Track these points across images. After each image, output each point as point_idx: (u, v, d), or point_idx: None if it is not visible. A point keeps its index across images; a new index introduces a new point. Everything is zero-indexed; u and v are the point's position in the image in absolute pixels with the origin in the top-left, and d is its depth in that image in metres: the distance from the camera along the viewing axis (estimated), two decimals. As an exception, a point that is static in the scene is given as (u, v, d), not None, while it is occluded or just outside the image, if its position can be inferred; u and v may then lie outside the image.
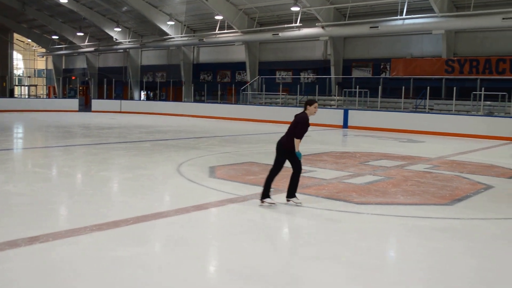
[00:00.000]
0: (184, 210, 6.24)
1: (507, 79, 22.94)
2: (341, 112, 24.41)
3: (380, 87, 25.65)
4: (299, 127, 6.58)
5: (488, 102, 22.73)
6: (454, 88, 22.87)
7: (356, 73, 30.87)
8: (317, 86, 28.60)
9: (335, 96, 29.32)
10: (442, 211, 6.80)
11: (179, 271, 4.18)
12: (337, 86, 30.18)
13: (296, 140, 6.57)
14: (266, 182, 6.61)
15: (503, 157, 14.12)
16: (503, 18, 22.94)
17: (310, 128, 6.81)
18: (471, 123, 20.71)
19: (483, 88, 22.30)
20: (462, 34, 27.32)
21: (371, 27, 27.32)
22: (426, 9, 25.74)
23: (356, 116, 23.79)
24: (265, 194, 6.58)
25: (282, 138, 6.72)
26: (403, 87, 24.68)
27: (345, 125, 23.81)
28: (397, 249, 5.32)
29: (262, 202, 6.56)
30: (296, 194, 6.72)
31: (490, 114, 22.02)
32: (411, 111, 23.97)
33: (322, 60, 32.42)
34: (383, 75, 29.14)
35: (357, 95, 26.10)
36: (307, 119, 6.64)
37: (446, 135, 20.31)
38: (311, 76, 32.86)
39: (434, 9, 24.70)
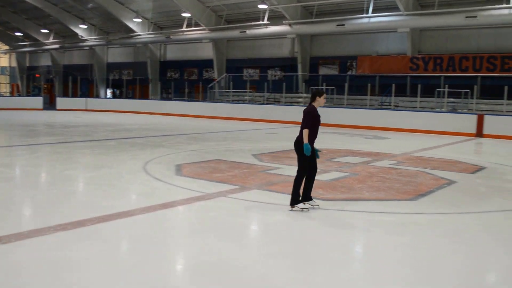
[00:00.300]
0: (150, 209, 6.18)
1: (469, 77, 23.49)
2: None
3: (346, 84, 25.93)
4: (307, 118, 6.31)
5: (452, 99, 23.24)
6: (419, 85, 23.34)
7: (323, 71, 31.13)
8: (284, 83, 28.75)
9: (302, 93, 29.49)
10: (406, 206, 6.92)
11: (145, 270, 4.13)
12: (304, 83, 30.39)
13: (304, 131, 6.25)
14: (293, 187, 6.31)
15: (466, 153, 14.46)
16: (466, 17, 23.49)
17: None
18: (435, 119, 21.13)
19: (446, 85, 22.81)
20: (427, 32, 27.84)
21: (337, 25, 27.58)
22: (391, 8, 26.13)
23: (323, 114, 23.91)
24: (295, 200, 6.29)
25: (297, 136, 6.45)
26: (369, 84, 25.03)
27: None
28: (364, 244, 5.37)
29: (293, 207, 6.27)
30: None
31: (453, 110, 22.51)
32: (377, 108, 24.34)
33: (289, 58, 32.57)
34: (349, 73, 29.45)
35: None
36: (315, 110, 6.41)
37: (411, 132, 20.68)
38: (279, 74, 32.98)
39: (400, 8, 25.10)
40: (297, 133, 6.42)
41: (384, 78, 26.03)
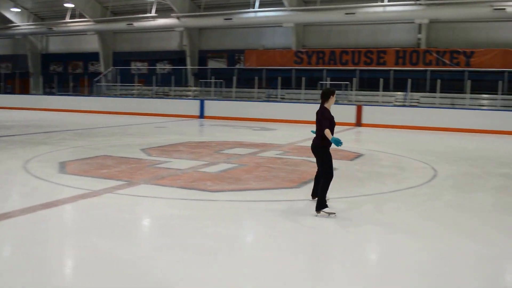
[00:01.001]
0: (30, 210, 5.91)
1: (349, 70, 24.90)
2: (197, 102, 24.63)
3: (234, 77, 26.35)
4: (325, 120, 5.98)
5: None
6: (303, 78, 24.32)
7: (212, 64, 31.36)
8: (173, 77, 28.54)
9: (191, 86, 29.49)
10: (291, 193, 7.25)
11: (26, 273, 3.99)
12: (193, 77, 30.40)
13: (325, 131, 5.87)
14: (320, 192, 6.00)
15: (347, 141, 15.19)
16: (346, 13, 24.85)
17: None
18: (296, 109, 22.27)
19: (328, 78, 24.01)
20: (310, 28, 29.01)
21: (225, 19, 27.90)
22: (277, 3, 26.93)
23: (212, 106, 24.17)
24: (322, 204, 5.96)
25: (314, 141, 6.20)
26: (256, 78, 25.63)
27: (201, 115, 24.08)
28: (250, 232, 5.56)
29: (318, 212, 5.95)
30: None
31: (335, 102, 23.66)
32: (264, 101, 24.99)
33: (178, 51, 32.39)
34: (237, 66, 29.91)
35: (212, 86, 26.55)
36: (329, 112, 6.09)
37: (297, 123, 21.50)
38: (167, 67, 32.69)
39: (284, 3, 25.95)
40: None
41: (270, 71, 26.77)
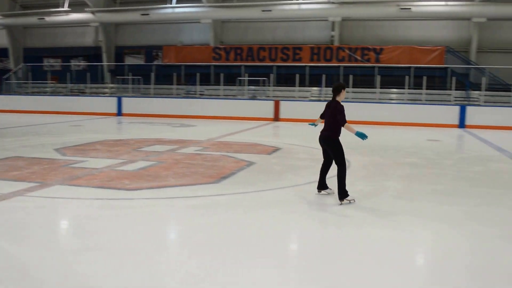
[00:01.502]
0: None
1: (267, 66, 25.33)
2: (114, 99, 24.10)
3: (153, 74, 26.05)
4: (342, 115, 6.34)
5: (252, 87, 24.81)
6: (221, 74, 24.47)
7: (129, 60, 30.78)
8: (88, 73, 27.73)
9: (108, 83, 28.77)
10: (209, 189, 7.29)
11: None
12: (109, 73, 29.67)
13: (347, 126, 6.31)
14: (338, 182, 6.37)
15: (265, 136, 15.66)
16: (262, 10, 25.28)
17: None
18: (237, 106, 22.40)
19: (246, 74, 24.31)
20: (228, 24, 29.20)
21: (142, 14, 27.49)
22: (194, -1, 26.92)
23: (130, 103, 23.76)
24: (343, 193, 6.36)
25: (325, 132, 6.53)
26: (175, 74, 25.47)
27: (119, 112, 23.61)
28: (170, 229, 5.57)
29: (342, 201, 6.36)
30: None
31: (253, 97, 24.05)
32: (183, 97, 24.88)
33: (93, 47, 31.49)
34: (155, 62, 29.57)
35: (130, 82, 26.07)
36: (342, 105, 6.44)
37: (216, 118, 21.64)
38: (82, 64, 31.72)
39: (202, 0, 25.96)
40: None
41: (189, 67, 26.69)
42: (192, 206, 6.27)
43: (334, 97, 6.58)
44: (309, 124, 7.30)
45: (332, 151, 6.54)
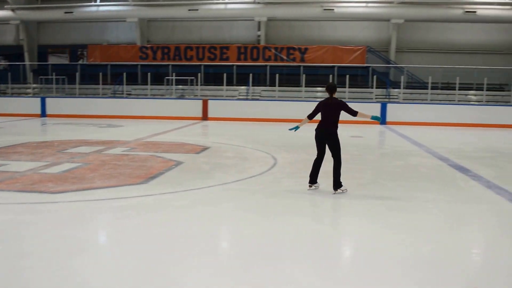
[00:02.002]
0: None
1: (194, 65, 25.35)
2: (38, 100, 23.27)
3: (78, 73, 25.37)
4: (348, 106, 7.08)
5: (180, 86, 24.75)
6: (149, 73, 24.25)
7: (53, 60, 29.78)
8: (9, 73, 26.60)
9: (30, 84, 27.73)
10: (137, 190, 7.26)
11: None
12: (32, 73, 28.61)
13: (360, 113, 7.15)
14: (335, 173, 7.07)
15: (194, 135, 15.72)
16: (189, 10, 25.29)
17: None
18: (165, 105, 22.31)
19: (174, 73, 24.22)
20: (155, 23, 28.92)
21: (66, 12, 26.75)
22: (119, -3, 26.47)
23: (55, 104, 23.05)
24: (338, 184, 7.11)
25: (331, 128, 7.08)
26: (101, 73, 24.93)
27: (43, 113, 22.83)
28: (96, 232, 5.49)
29: (336, 191, 7.09)
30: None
31: (181, 97, 24.01)
32: (110, 97, 24.44)
33: (14, 46, 30.18)
34: (80, 62, 28.81)
35: (54, 82, 25.29)
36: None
37: (144, 118, 21.44)
38: (3, 63, 30.34)
39: (127, -2, 25.58)
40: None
41: (115, 67, 26.23)
42: (119, 208, 6.23)
43: (331, 95, 7.14)
44: (290, 129, 7.79)
45: (335, 145, 7.12)
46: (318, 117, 7.34)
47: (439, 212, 6.28)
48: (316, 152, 7.33)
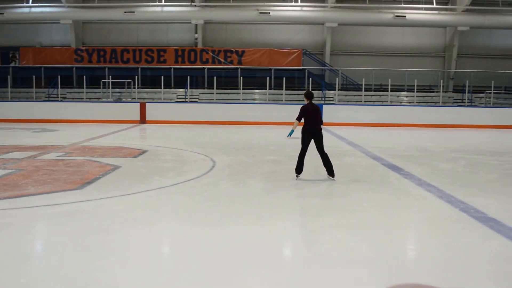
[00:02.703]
0: None
1: (131, 68, 25.06)
2: (-34, 105, 22.32)
3: (9, 76, 24.53)
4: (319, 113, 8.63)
5: (117, 89, 24.39)
6: (84, 76, 23.76)
7: (-18, 62, 28.58)
8: None
9: None
10: (72, 195, 7.12)
11: None
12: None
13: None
14: (330, 164, 8.53)
15: (131, 139, 15.56)
16: (125, 12, 24.94)
17: None
18: (102, 109, 21.94)
19: (110, 76, 23.84)
20: (90, 25, 28.34)
21: (-5, 13, 25.76)
22: (53, -1, 25.85)
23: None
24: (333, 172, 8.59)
25: (317, 127, 8.47)
26: (34, 76, 24.21)
27: (-28, 119, 21.93)
28: (30, 239, 5.35)
29: (334, 177, 8.57)
30: None
31: (118, 100, 23.67)
32: (44, 101, 23.77)
33: None
34: (12, 65, 27.80)
35: (-19, 87, 24.34)
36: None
37: (80, 122, 20.99)
38: None
39: (61, -1, 25.00)
40: None
41: (49, 69, 25.54)
42: (54, 214, 6.12)
43: (310, 101, 8.62)
44: (288, 135, 10.17)
45: (320, 140, 8.50)
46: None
47: (374, 210, 6.57)
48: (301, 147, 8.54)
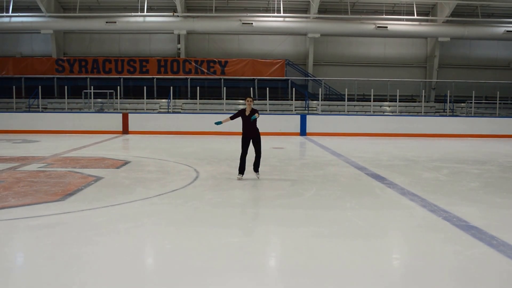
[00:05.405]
0: None
1: (113, 78, 24.93)
2: None
3: (-12, 87, 24.24)
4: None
5: (99, 99, 24.22)
6: (66, 87, 23.57)
7: (-40, 73, 28.18)
8: None
9: None
10: (54, 207, 7.03)
11: None
12: None
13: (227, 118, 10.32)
14: (259, 162, 9.70)
15: (114, 149, 15.43)
16: (106, 22, 24.86)
17: None
18: (84, 119, 21.81)
19: (92, 87, 23.67)
20: (71, 35, 28.18)
21: (-28, 23, 25.45)
22: (33, 8, 25.57)
23: None
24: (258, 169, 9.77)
25: (256, 132, 9.65)
26: (14, 87, 23.96)
27: (-50, 130, 21.59)
28: (10, 252, 5.28)
29: (258, 173, 9.79)
30: None
31: (100, 110, 23.50)
32: (24, 111, 23.49)
33: None
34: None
35: (-38, 97, 23.99)
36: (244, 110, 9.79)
37: (61, 133, 20.82)
38: None
39: (41, 9, 24.76)
40: None
41: (30, 80, 25.32)
42: (35, 227, 6.03)
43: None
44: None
45: (259, 143, 9.59)
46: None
47: (358, 220, 6.59)
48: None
